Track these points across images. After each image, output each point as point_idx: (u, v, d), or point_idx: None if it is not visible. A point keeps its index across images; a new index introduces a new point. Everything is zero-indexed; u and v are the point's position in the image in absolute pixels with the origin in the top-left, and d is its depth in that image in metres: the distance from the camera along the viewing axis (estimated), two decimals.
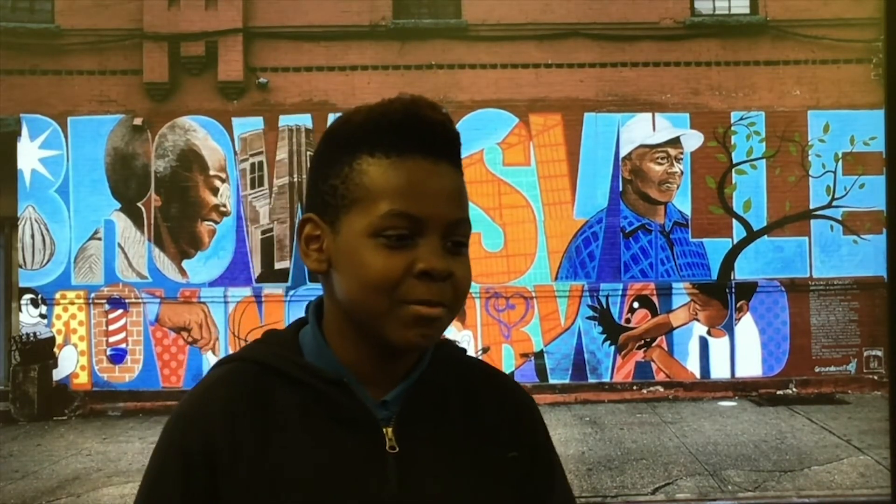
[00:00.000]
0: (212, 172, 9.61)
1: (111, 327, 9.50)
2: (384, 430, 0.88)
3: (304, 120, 9.60)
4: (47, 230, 9.50)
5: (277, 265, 9.53)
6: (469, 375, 0.99)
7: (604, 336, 9.53)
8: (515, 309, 9.49)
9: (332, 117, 9.45)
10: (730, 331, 9.58)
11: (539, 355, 9.48)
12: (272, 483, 0.84)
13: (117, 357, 9.48)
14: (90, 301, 9.49)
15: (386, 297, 0.83)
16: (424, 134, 0.85)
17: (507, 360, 9.45)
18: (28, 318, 9.45)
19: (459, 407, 0.94)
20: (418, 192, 0.83)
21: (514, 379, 1.08)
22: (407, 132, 0.84)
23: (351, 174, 0.85)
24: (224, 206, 9.60)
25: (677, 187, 9.64)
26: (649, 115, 9.65)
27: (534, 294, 9.51)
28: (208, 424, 0.86)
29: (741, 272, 9.61)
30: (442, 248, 0.84)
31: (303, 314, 0.97)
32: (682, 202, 9.64)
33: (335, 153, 0.87)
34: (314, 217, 0.88)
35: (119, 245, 9.53)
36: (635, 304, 9.57)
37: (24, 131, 9.51)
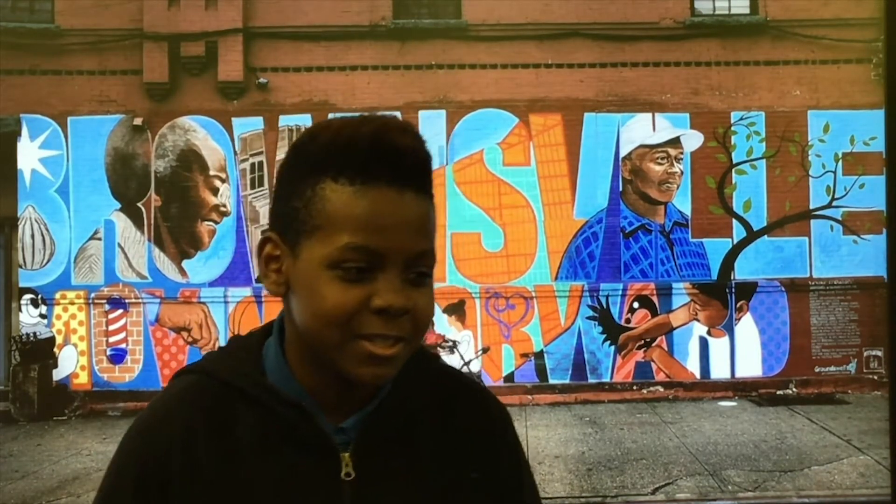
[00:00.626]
0: (212, 172, 9.61)
1: (111, 327, 9.51)
2: (341, 455, 0.86)
3: (304, 120, 9.60)
4: (47, 230, 9.50)
5: None
6: (438, 388, 0.96)
7: (604, 336, 9.53)
8: (515, 309, 9.49)
9: (331, 117, 9.47)
10: (730, 331, 9.58)
11: (539, 355, 9.48)
12: None
13: (117, 357, 9.49)
14: (90, 301, 9.50)
15: (339, 330, 0.80)
16: (391, 161, 0.81)
17: (507, 360, 9.46)
18: (28, 318, 9.45)
19: (427, 427, 0.92)
20: (380, 225, 0.80)
21: (485, 388, 1.04)
22: (373, 159, 0.80)
23: (313, 198, 0.81)
24: (224, 206, 9.60)
25: (677, 187, 9.64)
26: (649, 115, 9.66)
27: (534, 294, 9.51)
28: (165, 441, 0.84)
29: (741, 272, 9.61)
30: (402, 282, 0.82)
31: (280, 314, 0.94)
32: (682, 202, 9.64)
33: (299, 172, 0.84)
34: (274, 237, 0.86)
35: (119, 245, 9.54)
36: (635, 304, 9.57)
37: (24, 131, 9.51)
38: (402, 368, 0.86)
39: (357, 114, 0.87)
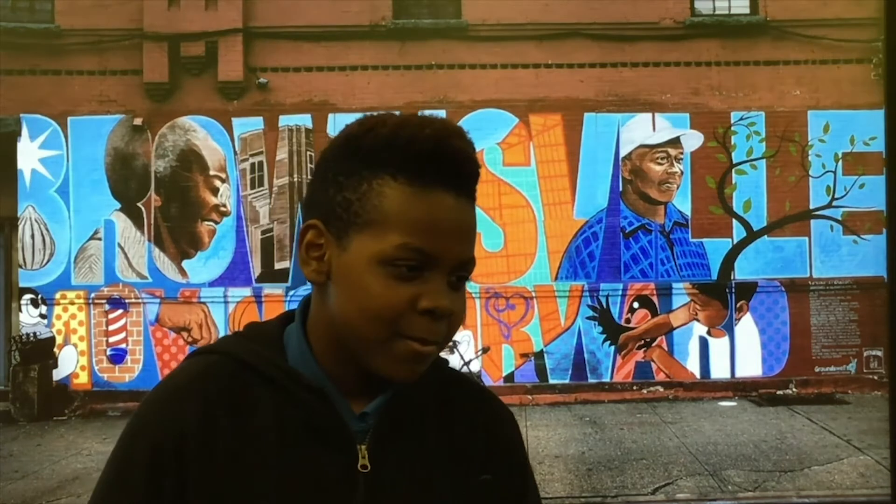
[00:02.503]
0: (212, 172, 9.61)
1: (111, 327, 9.51)
2: (359, 447, 0.86)
3: (304, 120, 9.60)
4: (47, 230, 9.50)
5: (277, 265, 9.53)
6: (448, 391, 0.97)
7: (604, 336, 9.53)
8: (515, 309, 9.49)
9: (332, 117, 9.51)
10: (730, 331, 9.58)
11: (539, 355, 9.48)
12: (240, 489, 0.82)
13: (117, 357, 9.49)
14: (90, 301, 9.50)
15: (385, 327, 0.81)
16: (451, 167, 0.82)
17: (507, 360, 9.46)
18: (28, 318, 9.45)
19: (435, 425, 0.93)
20: (436, 229, 0.81)
21: (493, 393, 1.04)
22: (435, 163, 0.81)
23: (369, 193, 0.81)
24: (224, 206, 9.60)
25: (677, 187, 9.64)
26: (649, 115, 9.65)
27: (534, 294, 9.51)
28: (182, 419, 0.82)
29: (741, 272, 9.61)
30: (447, 285, 0.83)
31: (303, 301, 0.94)
32: (682, 202, 9.64)
33: (353, 163, 0.83)
34: (319, 225, 0.85)
35: (119, 245, 9.54)
36: (635, 304, 9.57)
37: (24, 131, 9.51)
38: None
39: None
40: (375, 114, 0.86)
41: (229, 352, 0.89)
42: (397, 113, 0.87)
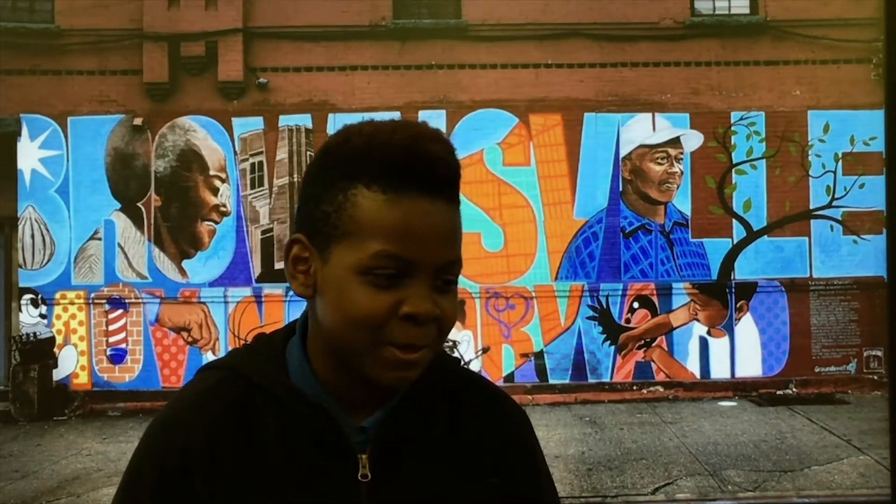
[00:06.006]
0: (212, 172, 9.61)
1: (111, 327, 9.51)
2: (359, 456, 0.87)
3: (304, 120, 9.60)
4: (47, 230, 9.50)
5: (277, 265, 9.53)
6: (457, 391, 0.97)
7: (604, 336, 9.53)
8: (515, 309, 9.49)
9: (332, 117, 9.50)
10: (730, 331, 9.58)
11: (539, 355, 9.48)
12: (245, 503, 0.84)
13: (117, 357, 9.49)
14: (90, 301, 9.50)
15: (368, 335, 0.82)
16: (425, 171, 0.82)
17: (507, 360, 9.46)
18: (28, 318, 9.45)
19: (443, 428, 0.93)
20: (412, 235, 0.81)
21: (505, 393, 1.04)
22: (408, 169, 0.81)
23: (345, 204, 0.82)
24: (224, 206, 9.60)
25: (677, 187, 9.64)
26: (649, 115, 9.66)
27: (534, 294, 9.51)
28: (189, 436, 0.86)
29: (741, 272, 9.61)
30: (430, 289, 0.83)
31: (303, 313, 0.95)
32: (682, 202, 9.64)
33: (330, 175, 0.84)
34: (303, 239, 0.86)
35: (119, 245, 9.54)
36: (635, 304, 9.57)
37: (24, 131, 9.51)
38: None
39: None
40: (355, 123, 0.86)
41: (236, 369, 0.92)
42: (379, 119, 0.86)
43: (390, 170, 0.81)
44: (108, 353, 9.50)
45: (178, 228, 9.57)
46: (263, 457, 0.86)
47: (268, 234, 9.59)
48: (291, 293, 9.35)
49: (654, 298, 9.57)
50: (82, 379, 9.45)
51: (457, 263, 0.85)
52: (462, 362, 1.02)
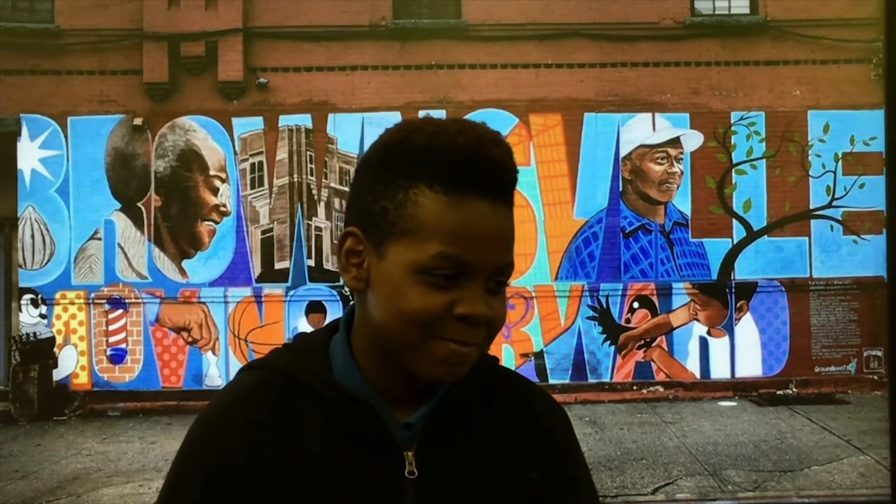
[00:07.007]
0: (212, 172, 9.61)
1: (111, 327, 9.51)
2: (405, 453, 0.87)
3: (304, 120, 9.60)
4: (47, 230, 9.50)
5: (277, 265, 9.53)
6: (497, 388, 0.97)
7: (604, 336, 9.53)
8: (515, 309, 9.49)
9: (332, 117, 9.51)
10: (730, 331, 9.58)
11: (539, 355, 9.48)
12: (289, 502, 0.84)
13: (117, 357, 9.49)
14: (90, 301, 9.50)
15: (421, 330, 0.82)
16: (487, 175, 0.83)
17: (507, 360, 9.45)
18: (28, 318, 9.45)
19: (482, 425, 0.93)
20: (472, 238, 0.82)
21: (544, 391, 1.04)
22: (471, 172, 0.81)
23: (406, 202, 0.82)
24: (224, 206, 9.60)
25: (677, 187, 9.64)
26: (649, 115, 9.66)
27: (534, 294, 9.52)
28: (231, 436, 0.86)
29: (741, 272, 9.61)
30: (484, 291, 0.84)
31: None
32: (682, 202, 9.64)
33: (390, 172, 0.84)
34: (358, 233, 0.86)
35: (119, 245, 9.54)
36: (635, 304, 9.57)
37: (24, 131, 9.51)
38: None
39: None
40: (414, 119, 0.87)
41: (277, 367, 0.92)
42: (436, 116, 0.87)
43: (453, 172, 0.81)
44: (108, 353, 9.50)
45: (178, 228, 9.57)
46: (306, 454, 0.86)
47: (268, 234, 9.59)
48: (292, 293, 9.35)
49: (654, 298, 9.58)
50: (82, 379, 9.45)
51: (510, 266, 0.88)
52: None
